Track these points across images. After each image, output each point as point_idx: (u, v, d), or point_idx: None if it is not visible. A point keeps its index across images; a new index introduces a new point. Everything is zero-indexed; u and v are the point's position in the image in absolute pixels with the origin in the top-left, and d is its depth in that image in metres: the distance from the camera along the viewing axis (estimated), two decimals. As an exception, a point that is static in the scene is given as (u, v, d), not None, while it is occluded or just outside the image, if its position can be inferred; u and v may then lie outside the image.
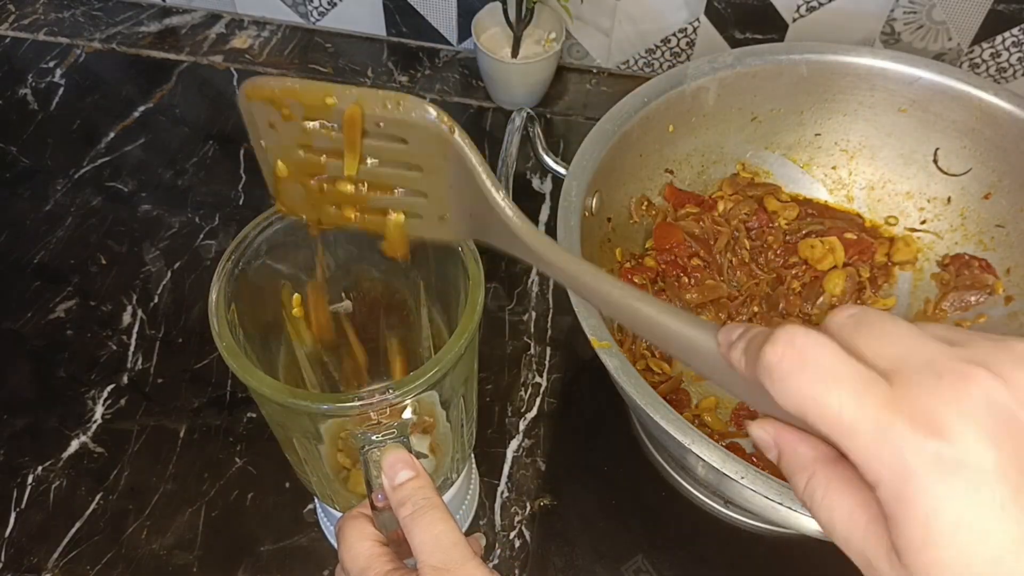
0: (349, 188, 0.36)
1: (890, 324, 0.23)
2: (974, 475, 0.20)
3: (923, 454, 0.20)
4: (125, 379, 0.65)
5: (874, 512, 0.22)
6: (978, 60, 0.78)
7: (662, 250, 0.63)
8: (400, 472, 0.36)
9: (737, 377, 0.25)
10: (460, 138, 0.32)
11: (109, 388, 0.64)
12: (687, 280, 0.62)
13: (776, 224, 0.66)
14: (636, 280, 0.62)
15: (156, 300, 0.69)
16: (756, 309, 0.63)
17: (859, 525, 0.23)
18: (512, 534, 0.58)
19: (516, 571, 0.57)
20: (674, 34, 0.83)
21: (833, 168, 0.68)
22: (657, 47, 0.84)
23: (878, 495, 0.21)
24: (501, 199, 0.32)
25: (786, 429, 0.24)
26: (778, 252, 0.65)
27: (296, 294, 0.46)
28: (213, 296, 0.39)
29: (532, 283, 0.71)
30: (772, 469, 0.56)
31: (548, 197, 0.77)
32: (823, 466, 0.24)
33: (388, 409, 0.37)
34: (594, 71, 0.88)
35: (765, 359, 0.22)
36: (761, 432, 0.25)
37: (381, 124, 0.33)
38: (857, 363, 0.22)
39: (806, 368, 0.22)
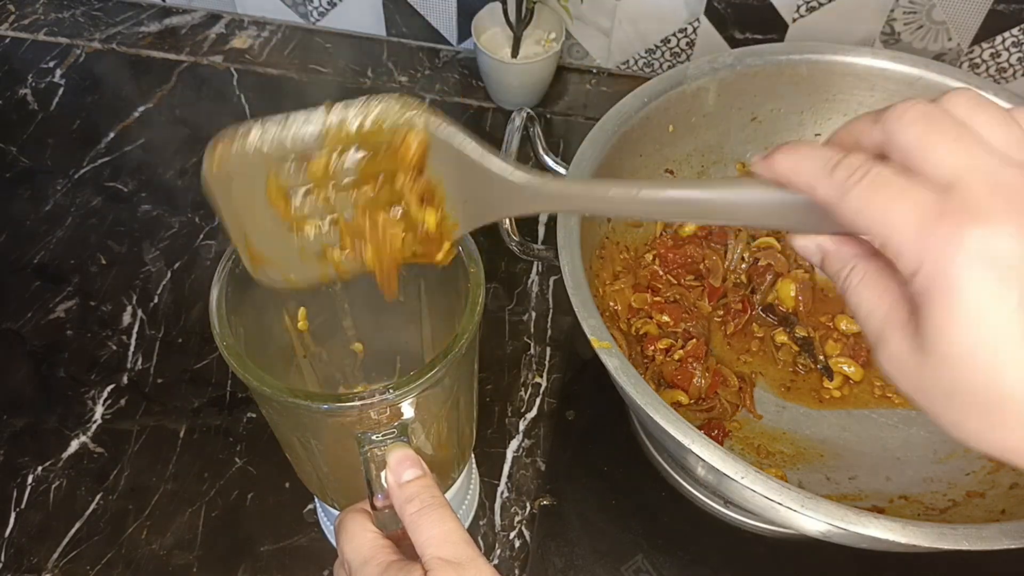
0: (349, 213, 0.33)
1: (953, 133, 0.25)
2: (1006, 272, 0.23)
3: (964, 247, 0.23)
4: (125, 379, 0.65)
5: (897, 295, 0.26)
6: (978, 60, 0.78)
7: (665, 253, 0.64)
8: (407, 470, 0.36)
9: (790, 208, 0.28)
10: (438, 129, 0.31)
11: (109, 388, 0.64)
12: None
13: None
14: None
15: (156, 300, 0.69)
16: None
17: (884, 303, 0.27)
18: (512, 534, 0.58)
19: (516, 571, 0.57)
20: (674, 34, 0.83)
21: (833, 168, 0.68)
22: (657, 47, 0.84)
23: (913, 282, 0.24)
24: (501, 165, 0.32)
25: (829, 236, 0.29)
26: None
27: (301, 307, 0.46)
28: (213, 296, 0.39)
29: (532, 283, 0.71)
30: (773, 469, 0.56)
31: (548, 197, 0.77)
32: (862, 260, 0.28)
33: (388, 409, 0.37)
34: (594, 71, 0.88)
35: (838, 178, 0.26)
36: (806, 242, 0.29)
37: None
38: (913, 180, 0.25)
39: (874, 186, 0.25)
